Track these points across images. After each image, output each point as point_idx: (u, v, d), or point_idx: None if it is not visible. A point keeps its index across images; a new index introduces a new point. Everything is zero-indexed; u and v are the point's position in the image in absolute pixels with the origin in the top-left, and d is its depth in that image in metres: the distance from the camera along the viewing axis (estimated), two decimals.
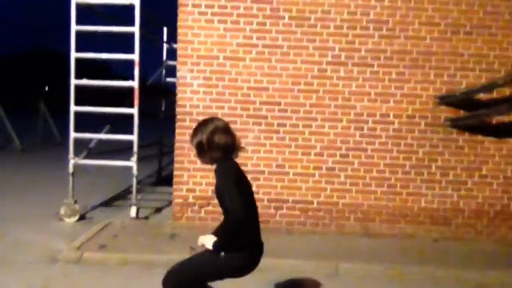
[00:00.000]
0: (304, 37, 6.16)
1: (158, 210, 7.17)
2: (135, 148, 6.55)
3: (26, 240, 5.64)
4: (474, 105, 6.06)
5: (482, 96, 6.09)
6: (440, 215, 6.24)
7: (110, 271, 4.82)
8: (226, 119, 6.10)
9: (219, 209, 3.05)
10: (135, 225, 6.31)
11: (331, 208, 6.25)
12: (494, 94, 6.10)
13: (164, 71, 9.46)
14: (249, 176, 6.06)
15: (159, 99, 9.75)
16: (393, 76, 6.17)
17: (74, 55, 6.51)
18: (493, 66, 6.16)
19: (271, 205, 6.24)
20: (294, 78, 6.19)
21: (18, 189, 8.42)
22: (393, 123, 6.21)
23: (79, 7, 6.44)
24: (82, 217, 6.60)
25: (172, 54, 8.51)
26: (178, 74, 6.29)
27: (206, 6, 6.17)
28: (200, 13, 6.18)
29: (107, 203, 7.61)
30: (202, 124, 3.12)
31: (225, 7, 6.16)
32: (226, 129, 3.09)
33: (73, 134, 6.60)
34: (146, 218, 6.74)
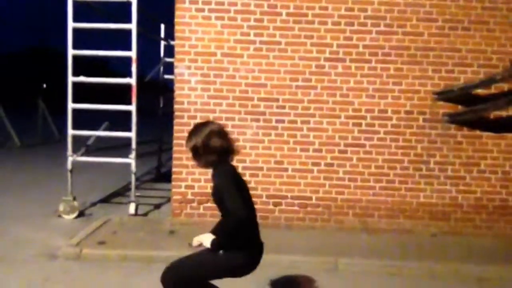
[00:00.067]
0: (301, 34, 6.15)
1: (157, 206, 7.18)
2: (134, 145, 6.56)
3: (25, 237, 5.65)
4: (472, 101, 6.07)
5: (480, 91, 6.10)
6: (439, 210, 6.26)
7: (109, 267, 4.83)
8: (224, 115, 6.21)
9: None
10: (134, 222, 6.32)
11: (330, 204, 6.27)
12: (492, 90, 6.10)
13: (162, 68, 9.44)
14: (247, 173, 6.14)
15: (157, 96, 9.74)
16: (391, 72, 6.18)
17: (71, 52, 6.51)
18: (491, 61, 6.16)
19: (270, 201, 6.25)
20: (292, 74, 6.19)
21: (17, 186, 8.42)
22: (391, 118, 6.21)
23: (76, 4, 6.44)
24: (81, 214, 6.62)
25: (170, 51, 8.49)
26: (176, 71, 6.28)
27: (203, 3, 6.16)
28: (197, 10, 6.17)
29: (106, 200, 7.62)
30: (197, 128, 3.11)
31: (222, 3, 6.15)
32: (221, 133, 3.09)
33: (71, 131, 6.60)
34: (145, 214, 6.75)
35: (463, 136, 6.23)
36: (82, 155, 6.80)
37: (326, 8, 6.13)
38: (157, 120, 9.65)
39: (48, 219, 6.42)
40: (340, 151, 6.24)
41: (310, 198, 6.27)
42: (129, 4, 6.41)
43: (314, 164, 6.25)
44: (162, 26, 9.23)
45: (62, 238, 5.52)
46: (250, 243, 3.06)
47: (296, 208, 6.28)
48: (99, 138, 7.17)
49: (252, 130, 6.23)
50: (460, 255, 5.41)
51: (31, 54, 57.04)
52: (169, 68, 8.49)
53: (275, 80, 6.19)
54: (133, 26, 6.41)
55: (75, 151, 6.69)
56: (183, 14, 6.18)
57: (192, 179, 6.26)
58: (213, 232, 3.12)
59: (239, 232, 2.89)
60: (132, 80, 6.48)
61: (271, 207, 6.25)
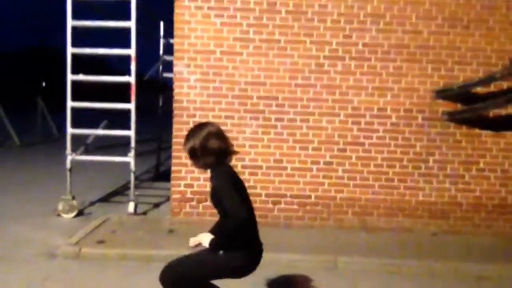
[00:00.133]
0: (301, 32, 6.14)
1: (156, 205, 7.18)
2: (133, 144, 6.55)
3: (25, 236, 5.64)
4: (471, 99, 6.06)
5: (479, 89, 6.09)
6: (438, 208, 6.26)
7: (108, 266, 4.83)
8: (223, 114, 6.20)
9: None
10: (133, 221, 6.31)
11: (329, 203, 6.26)
12: (492, 88, 6.10)
13: (161, 66, 9.43)
14: (246, 171, 6.14)
15: (157, 94, 9.73)
16: (391, 70, 6.17)
17: (70, 50, 6.50)
18: (490, 60, 6.15)
19: (269, 200, 6.25)
20: (291, 72, 6.18)
21: (17, 185, 8.41)
22: (390, 117, 6.21)
23: (75, 2, 6.42)
24: (80, 213, 6.61)
25: (169, 49, 8.48)
26: (175, 69, 6.27)
27: (203, 1, 6.14)
28: (196, 8, 6.16)
29: (105, 199, 7.61)
30: (194, 130, 3.10)
31: (222, 1, 6.14)
32: (219, 134, 3.07)
33: (70, 130, 6.59)
34: (144, 213, 6.75)
35: (463, 134, 6.23)
36: (81, 154, 6.79)
37: (325, 6, 6.12)
38: (156, 119, 9.64)
39: (47, 218, 6.41)
40: (339, 150, 6.24)
41: (309, 197, 6.27)
42: (128, 2, 6.39)
43: (313, 162, 6.25)
44: (162, 24, 9.22)
45: (61, 237, 5.52)
46: (250, 243, 3.06)
47: (295, 206, 6.27)
48: (98, 137, 7.16)
49: (251, 129, 6.22)
50: (459, 254, 5.41)
51: (30, 53, 56.99)
52: (169, 67, 8.48)
53: (274, 79, 6.18)
54: (132, 24, 6.40)
55: (74, 150, 6.68)
56: (183, 12, 6.17)
57: (191, 177, 6.25)
58: (212, 231, 3.12)
59: (239, 233, 2.88)
60: (131, 78, 6.47)
61: (270, 205, 6.25)
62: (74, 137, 6.67)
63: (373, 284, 4.67)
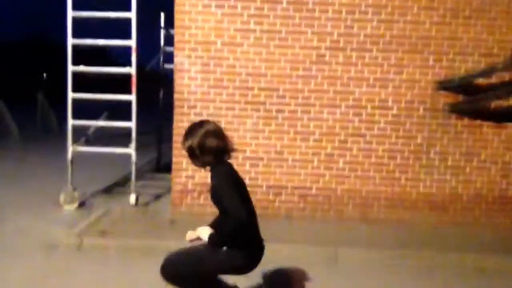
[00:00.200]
0: (302, 22, 6.11)
1: (158, 197, 7.19)
2: (134, 135, 6.55)
3: (26, 227, 5.66)
4: (473, 90, 6.04)
5: (481, 81, 6.06)
6: (439, 200, 6.26)
7: (109, 257, 4.85)
8: (224, 105, 6.19)
9: None
10: (135, 212, 6.33)
11: (329, 194, 6.27)
12: (493, 79, 6.07)
13: (162, 58, 9.39)
14: (247, 163, 6.14)
15: (158, 86, 9.70)
16: (392, 61, 6.14)
17: (70, 41, 6.47)
18: (492, 50, 6.12)
19: (270, 192, 6.25)
20: (292, 63, 6.15)
21: (18, 178, 8.42)
22: (392, 108, 6.19)
23: None
24: (81, 204, 6.62)
25: (170, 41, 8.44)
26: (176, 60, 6.24)
27: None
28: None
29: (106, 190, 7.62)
30: (192, 128, 3.08)
31: None
32: (217, 132, 3.06)
33: (71, 121, 6.59)
34: (146, 205, 6.76)
35: (464, 126, 6.21)
36: (82, 144, 6.79)
37: None
38: (158, 111, 9.62)
39: (48, 209, 6.43)
40: (340, 141, 6.23)
41: (310, 189, 6.27)
42: None
43: (314, 154, 6.24)
44: (162, 15, 9.17)
45: (62, 229, 5.53)
46: (251, 243, 3.07)
47: (296, 198, 6.28)
48: (99, 129, 7.15)
49: (252, 120, 6.21)
50: (459, 246, 5.42)
51: (30, 45, 56.83)
52: (170, 58, 8.44)
53: (276, 70, 6.16)
54: (132, 14, 6.36)
55: (75, 142, 6.68)
56: (183, 2, 6.13)
57: (192, 169, 6.24)
58: (212, 226, 3.12)
59: (239, 233, 2.88)
60: (132, 70, 6.45)
61: (271, 197, 6.26)
62: (76, 130, 6.67)
63: (374, 275, 4.69)
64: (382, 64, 6.14)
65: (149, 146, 10.03)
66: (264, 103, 6.19)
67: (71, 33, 6.44)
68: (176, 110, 6.24)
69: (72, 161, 6.62)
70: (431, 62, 6.14)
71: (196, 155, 3.03)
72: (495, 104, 6.14)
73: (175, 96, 6.25)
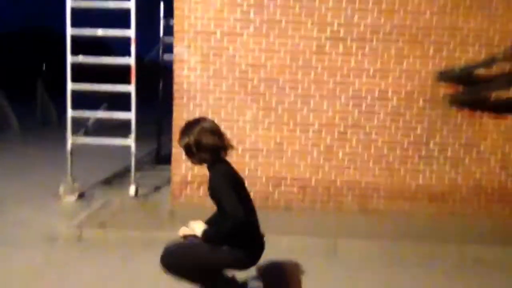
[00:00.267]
0: (302, 12, 6.07)
1: (157, 188, 7.19)
2: (133, 126, 6.54)
3: (26, 219, 5.67)
4: (473, 81, 6.01)
5: (481, 72, 6.04)
6: (438, 191, 6.26)
7: (109, 248, 4.86)
8: (224, 96, 6.16)
9: None
10: (134, 203, 6.34)
11: (329, 186, 6.27)
12: (494, 70, 6.04)
13: (161, 48, 9.34)
14: (247, 154, 6.13)
15: (157, 77, 9.66)
16: (392, 52, 6.11)
17: (69, 31, 6.43)
18: (493, 41, 6.09)
19: (270, 183, 6.25)
20: (292, 54, 6.12)
21: (17, 169, 8.43)
22: (391, 99, 6.17)
23: None
24: (81, 196, 6.63)
25: (170, 31, 8.38)
26: (175, 50, 6.21)
27: None
28: None
29: (106, 182, 7.63)
30: (188, 125, 3.08)
31: None
32: (213, 130, 3.06)
33: (70, 112, 6.57)
34: (145, 196, 6.76)
35: (464, 117, 6.20)
36: (81, 136, 6.78)
37: None
38: (157, 102, 9.59)
39: (48, 201, 6.43)
40: (340, 133, 6.22)
41: (310, 180, 6.27)
42: None
43: (314, 145, 6.23)
44: (161, 4, 9.10)
45: (62, 220, 5.53)
46: (251, 241, 3.07)
47: (295, 190, 6.28)
48: (98, 121, 7.13)
49: (252, 111, 6.19)
50: (459, 237, 5.43)
51: (30, 36, 56.61)
52: (169, 49, 8.38)
53: (275, 60, 6.13)
54: (131, 4, 6.32)
55: (74, 133, 6.66)
56: None
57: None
58: (208, 222, 3.13)
59: (237, 233, 2.88)
60: (131, 60, 6.42)
61: (270, 189, 6.26)
62: (76, 122, 6.65)
63: (373, 266, 4.70)
64: (383, 55, 6.11)
65: (148, 137, 10.00)
66: (263, 94, 6.17)
67: (70, 23, 6.40)
68: (176, 101, 6.22)
69: (71, 153, 6.62)
70: (431, 53, 6.11)
71: (193, 152, 3.03)
72: (495, 95, 6.13)
73: (175, 87, 6.23)
